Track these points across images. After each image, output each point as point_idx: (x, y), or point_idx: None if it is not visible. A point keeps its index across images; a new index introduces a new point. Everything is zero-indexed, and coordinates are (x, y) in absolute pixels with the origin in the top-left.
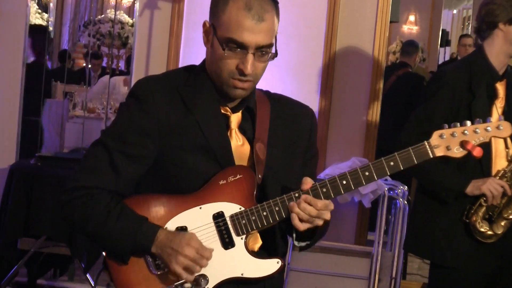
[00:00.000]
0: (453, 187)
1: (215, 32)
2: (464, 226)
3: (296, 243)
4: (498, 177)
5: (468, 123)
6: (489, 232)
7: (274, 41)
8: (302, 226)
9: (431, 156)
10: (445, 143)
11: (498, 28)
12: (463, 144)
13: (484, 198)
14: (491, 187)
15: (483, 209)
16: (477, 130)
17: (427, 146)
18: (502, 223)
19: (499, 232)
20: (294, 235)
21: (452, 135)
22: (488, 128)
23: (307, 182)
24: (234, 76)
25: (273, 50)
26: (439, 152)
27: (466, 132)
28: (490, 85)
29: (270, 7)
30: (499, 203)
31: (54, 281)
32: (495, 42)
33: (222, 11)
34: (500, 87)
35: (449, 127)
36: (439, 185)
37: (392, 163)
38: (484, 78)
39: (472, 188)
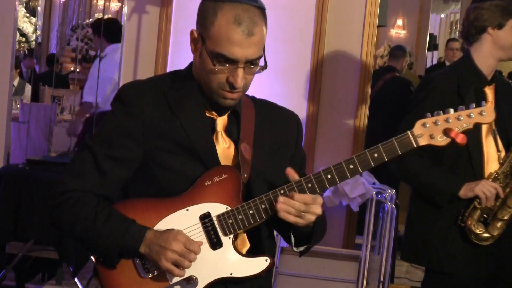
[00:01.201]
0: (446, 190)
1: (204, 43)
2: (460, 230)
3: (295, 249)
4: (490, 180)
5: (451, 110)
6: (485, 234)
7: (263, 52)
8: (293, 218)
9: (415, 146)
10: (428, 131)
11: (487, 32)
12: (446, 132)
13: (478, 200)
14: (484, 188)
15: (478, 212)
16: (460, 117)
17: (410, 136)
18: (498, 225)
19: (495, 234)
20: (292, 240)
21: (435, 123)
22: (471, 114)
23: (293, 173)
24: (224, 88)
25: (262, 60)
26: (423, 141)
27: (449, 119)
28: (478, 90)
29: (259, 18)
30: (493, 205)
31: (42, 285)
32: (483, 47)
33: (211, 23)
34: (489, 92)
35: (432, 115)
36: (431, 188)
37: (376, 155)
38: (473, 83)
39: (465, 191)
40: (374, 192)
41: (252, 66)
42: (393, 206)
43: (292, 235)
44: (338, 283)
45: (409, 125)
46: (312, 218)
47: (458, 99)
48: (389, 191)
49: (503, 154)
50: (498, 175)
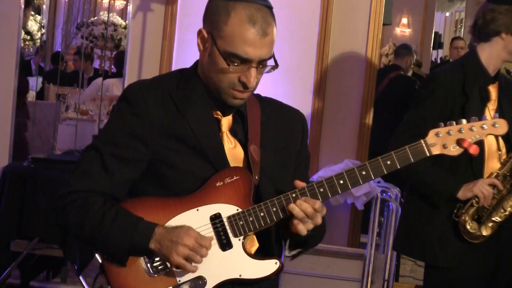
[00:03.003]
0: (445, 191)
1: (215, 43)
2: (455, 225)
3: (287, 252)
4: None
5: (464, 121)
6: (477, 233)
7: (273, 52)
8: (305, 228)
9: (428, 155)
10: (441, 141)
11: (500, 36)
12: (459, 142)
13: (476, 199)
14: (482, 188)
15: (473, 209)
16: (473, 127)
17: (424, 145)
18: (490, 225)
19: (486, 234)
20: (287, 243)
21: (448, 133)
22: (484, 125)
23: (300, 183)
24: (235, 88)
25: (273, 60)
26: (436, 151)
27: (462, 129)
28: (482, 88)
29: (271, 18)
30: (489, 205)
31: (47, 283)
32: (492, 48)
33: (223, 22)
34: (493, 90)
35: (445, 125)
36: (431, 187)
37: (389, 162)
38: (477, 80)
39: (464, 192)
40: (379, 191)
41: (263, 66)
42: (398, 204)
43: (288, 238)
44: (343, 282)
45: (413, 119)
46: (311, 226)
47: (463, 97)
48: (394, 189)
49: (503, 152)
50: (498, 176)
